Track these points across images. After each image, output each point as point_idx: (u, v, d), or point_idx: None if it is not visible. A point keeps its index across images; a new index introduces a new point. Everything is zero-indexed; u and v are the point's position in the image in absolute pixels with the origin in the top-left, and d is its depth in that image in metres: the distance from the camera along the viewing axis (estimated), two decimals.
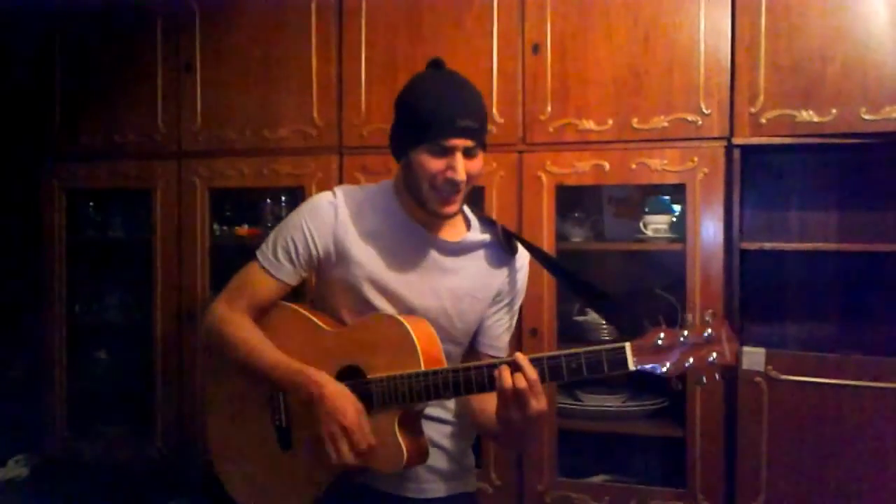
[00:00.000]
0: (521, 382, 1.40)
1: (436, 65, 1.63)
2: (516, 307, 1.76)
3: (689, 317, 1.39)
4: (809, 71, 2.28)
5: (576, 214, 2.67)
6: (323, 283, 1.70)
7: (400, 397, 1.52)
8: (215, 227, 2.91)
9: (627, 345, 1.38)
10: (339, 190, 1.69)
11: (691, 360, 1.35)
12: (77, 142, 3.00)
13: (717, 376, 1.38)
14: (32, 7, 3.00)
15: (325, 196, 1.68)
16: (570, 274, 1.71)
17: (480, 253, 1.70)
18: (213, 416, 1.81)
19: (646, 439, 2.55)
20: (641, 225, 2.54)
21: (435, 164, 1.53)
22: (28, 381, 3.09)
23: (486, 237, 1.70)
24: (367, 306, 1.64)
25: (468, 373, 1.48)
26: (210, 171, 2.83)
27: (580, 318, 2.64)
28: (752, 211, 2.57)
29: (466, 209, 1.72)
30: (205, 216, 2.85)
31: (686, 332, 1.35)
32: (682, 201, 2.47)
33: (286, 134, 2.75)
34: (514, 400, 1.41)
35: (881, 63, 2.23)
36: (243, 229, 2.91)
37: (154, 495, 2.94)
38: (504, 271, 1.71)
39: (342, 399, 1.52)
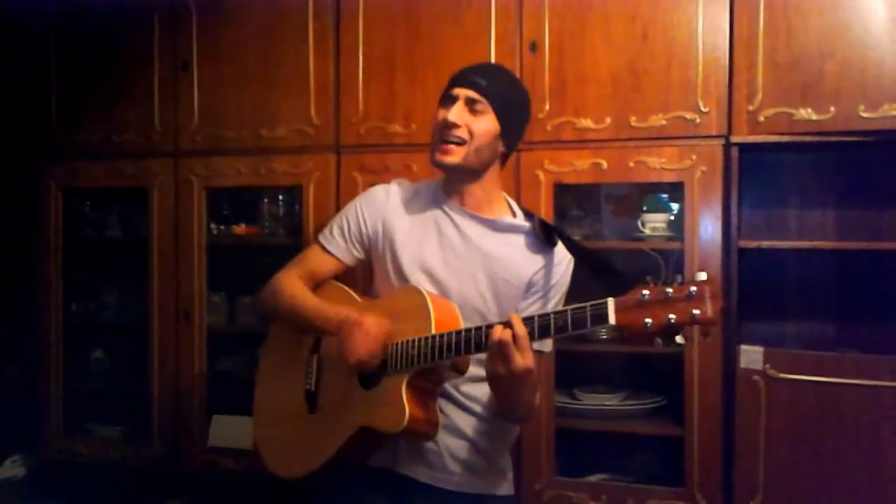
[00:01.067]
0: (507, 335, 1.46)
1: None
2: (552, 303, 1.78)
3: (679, 277, 1.41)
4: (808, 69, 2.28)
5: (574, 213, 2.67)
6: (375, 269, 1.87)
7: (409, 360, 1.61)
8: (212, 226, 2.90)
9: (610, 300, 1.41)
10: (395, 181, 1.90)
11: (673, 316, 1.36)
12: (74, 140, 2.98)
13: (700, 335, 1.40)
14: (29, 6, 2.99)
15: (382, 185, 1.90)
16: (604, 262, 1.71)
17: (519, 238, 1.77)
18: (259, 394, 2.00)
19: (644, 438, 2.54)
20: (639, 223, 2.54)
21: (441, 112, 1.71)
22: (24, 381, 3.07)
23: (526, 224, 1.78)
24: (399, 280, 1.78)
25: (468, 333, 1.55)
26: (207, 170, 2.82)
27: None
28: (750, 209, 2.57)
29: (512, 202, 1.85)
30: (202, 215, 2.84)
31: (670, 290, 1.36)
32: (680, 199, 2.46)
33: (283, 133, 2.74)
34: (498, 353, 1.47)
35: (880, 61, 2.23)
36: (240, 228, 2.90)
37: (151, 495, 2.93)
38: (539, 260, 1.76)
39: (361, 314, 1.67)
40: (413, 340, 1.61)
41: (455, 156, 1.69)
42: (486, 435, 1.77)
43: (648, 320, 1.37)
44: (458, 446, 1.75)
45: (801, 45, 2.29)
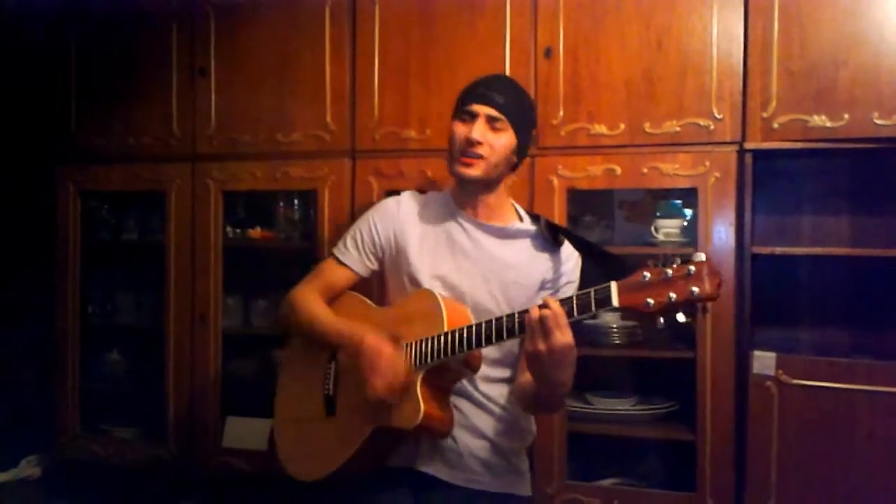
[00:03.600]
0: (546, 312, 1.50)
1: None
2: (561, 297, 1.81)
3: (677, 258, 1.45)
4: (822, 76, 2.28)
5: (587, 218, 2.68)
6: (387, 276, 1.93)
7: (425, 357, 1.66)
8: (228, 229, 2.92)
9: (613, 283, 1.48)
10: (405, 193, 1.97)
11: (673, 294, 1.41)
12: (92, 144, 3.02)
13: (700, 313, 1.44)
14: (48, 10, 3.03)
15: (393, 197, 1.97)
16: (611, 258, 1.81)
17: (527, 242, 1.86)
18: (279, 400, 2.04)
19: (655, 443, 2.54)
20: (653, 229, 2.55)
21: (460, 129, 1.79)
22: (41, 382, 3.10)
23: (533, 228, 1.87)
24: (413, 288, 1.83)
25: (499, 321, 1.59)
26: (223, 174, 2.85)
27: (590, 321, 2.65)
28: (763, 215, 2.56)
29: (518, 206, 1.95)
30: (218, 219, 2.86)
31: (669, 270, 1.43)
32: (693, 205, 2.47)
33: (299, 137, 2.76)
34: (539, 331, 1.49)
35: (894, 68, 2.23)
36: (256, 232, 2.92)
37: (165, 496, 2.95)
38: (547, 260, 1.86)
39: (379, 343, 1.70)
40: (429, 338, 1.66)
41: (476, 169, 1.77)
42: (504, 435, 1.82)
43: (650, 300, 1.42)
44: (478, 446, 1.80)
45: (815, 52, 2.29)
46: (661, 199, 2.62)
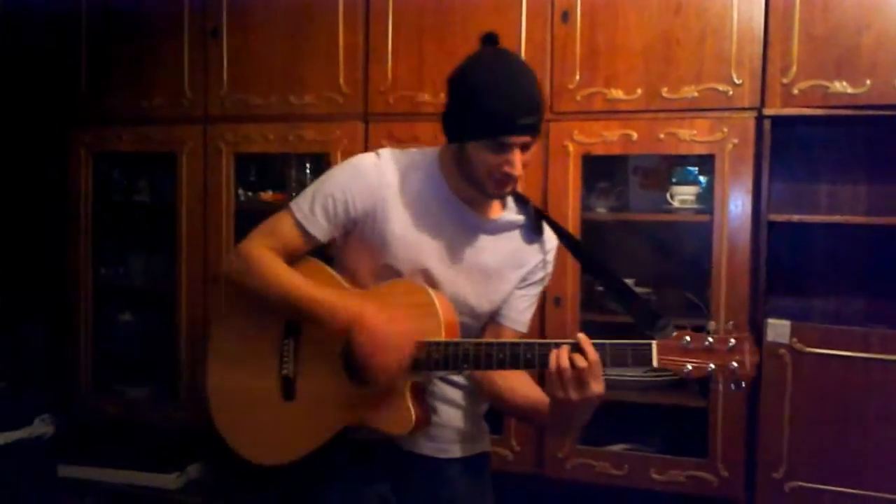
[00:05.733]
0: (582, 362, 1.43)
1: (491, 41, 1.63)
2: (542, 287, 1.79)
3: (713, 324, 1.44)
4: (844, 41, 2.25)
5: (601, 185, 2.65)
6: (349, 245, 1.70)
7: (436, 363, 1.55)
8: (240, 192, 2.91)
9: (654, 343, 1.44)
10: (384, 152, 1.69)
11: (712, 365, 1.42)
12: (104, 106, 3.01)
13: (732, 386, 1.43)
14: None
15: (369, 157, 1.68)
16: (594, 261, 1.75)
17: (515, 233, 1.72)
18: (215, 370, 1.81)
19: (667, 409, 2.55)
20: (668, 196, 2.53)
21: (493, 159, 1.55)
22: (54, 342, 3.12)
23: (521, 218, 1.72)
24: (391, 272, 1.66)
25: (526, 347, 1.51)
26: (235, 137, 2.83)
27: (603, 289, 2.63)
28: (780, 183, 2.54)
29: None
30: (230, 181, 2.85)
31: (711, 339, 1.42)
32: (709, 172, 2.44)
33: (312, 100, 2.74)
34: (574, 379, 1.43)
35: None
36: (268, 195, 2.91)
37: (177, 456, 2.98)
38: (536, 250, 1.74)
39: (387, 321, 1.54)
40: (450, 343, 1.55)
41: (512, 188, 1.62)
42: (470, 399, 1.79)
43: (689, 367, 1.42)
44: (455, 416, 1.76)
45: (837, 16, 2.25)
46: (677, 166, 2.59)
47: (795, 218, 2.37)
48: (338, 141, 2.70)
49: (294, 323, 1.70)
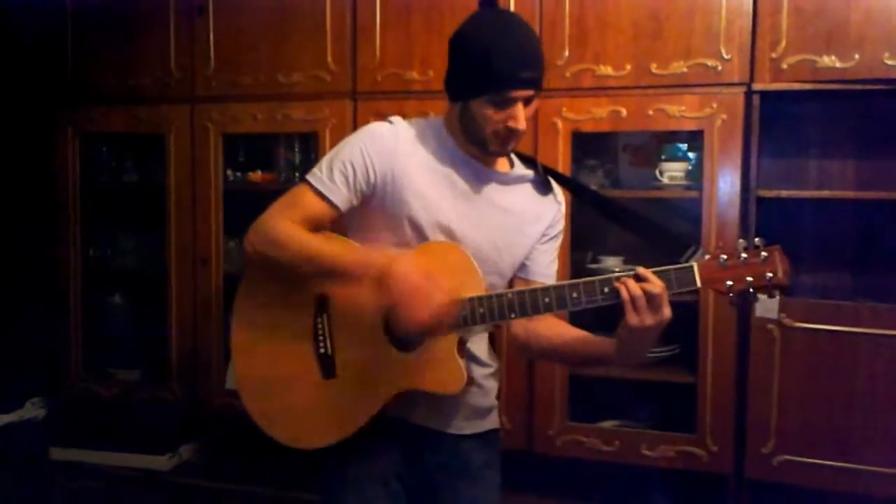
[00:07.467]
0: (656, 288, 1.48)
1: (490, 3, 1.64)
2: (560, 239, 1.83)
3: (742, 241, 1.51)
4: (833, 15, 2.24)
5: (591, 162, 2.65)
6: (366, 213, 1.69)
7: (483, 316, 1.57)
8: (228, 172, 2.90)
9: (695, 264, 1.51)
10: (395, 118, 1.70)
11: (750, 278, 1.49)
12: (90, 86, 2.98)
13: (768, 295, 1.51)
14: None
15: (383, 124, 1.69)
16: (613, 205, 1.80)
17: (528, 186, 1.76)
18: (243, 362, 1.77)
19: (657, 385, 2.55)
20: (657, 172, 2.53)
21: (497, 114, 1.57)
22: (44, 325, 3.11)
23: (530, 173, 1.76)
24: (414, 235, 1.66)
25: (571, 287, 1.55)
26: (223, 117, 2.81)
27: (593, 266, 2.64)
28: (770, 159, 2.54)
29: None
30: (218, 162, 2.84)
31: (745, 254, 1.49)
32: (697, 148, 2.44)
33: (300, 79, 2.72)
34: (648, 306, 1.49)
35: None
36: (256, 175, 2.90)
37: (169, 438, 2.98)
38: (551, 202, 1.78)
39: (422, 274, 1.53)
40: (494, 295, 1.58)
41: (516, 144, 1.65)
42: (491, 379, 1.82)
43: (730, 282, 1.49)
44: (475, 394, 1.77)
45: None
46: (666, 143, 2.59)
47: (784, 193, 2.37)
48: (326, 120, 2.68)
49: (324, 300, 1.68)
